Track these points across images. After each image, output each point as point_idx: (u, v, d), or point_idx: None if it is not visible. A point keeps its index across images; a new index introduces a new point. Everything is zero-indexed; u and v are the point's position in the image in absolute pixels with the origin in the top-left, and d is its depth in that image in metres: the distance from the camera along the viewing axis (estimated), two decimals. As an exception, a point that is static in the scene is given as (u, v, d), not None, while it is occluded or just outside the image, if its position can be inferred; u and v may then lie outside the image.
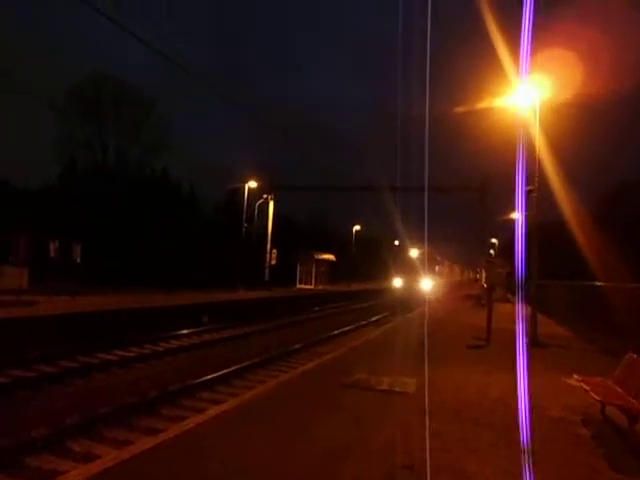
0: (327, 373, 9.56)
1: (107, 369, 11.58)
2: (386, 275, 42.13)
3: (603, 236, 25.82)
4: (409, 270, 34.83)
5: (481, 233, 36.78)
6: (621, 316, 12.32)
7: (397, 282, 35.08)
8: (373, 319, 24.65)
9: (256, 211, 38.11)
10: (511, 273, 28.85)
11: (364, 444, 5.46)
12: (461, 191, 36.13)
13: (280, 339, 17.33)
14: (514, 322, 13.81)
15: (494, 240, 59.56)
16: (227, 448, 5.20)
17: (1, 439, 6.65)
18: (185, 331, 17.31)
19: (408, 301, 30.32)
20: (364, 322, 23.20)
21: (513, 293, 32.85)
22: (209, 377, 10.66)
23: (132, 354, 13.43)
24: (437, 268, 40.49)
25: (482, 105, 15.83)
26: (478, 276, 49.86)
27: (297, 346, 15.57)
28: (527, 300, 15.28)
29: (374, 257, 63.23)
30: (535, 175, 14.74)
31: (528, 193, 14.64)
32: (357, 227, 66.83)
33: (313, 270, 43.09)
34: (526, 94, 13.84)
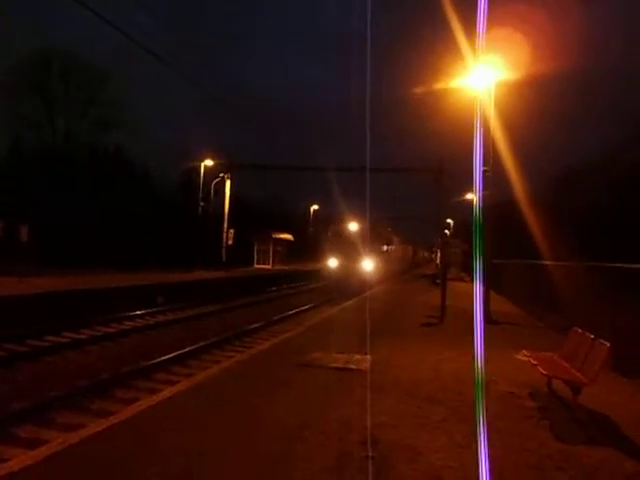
0: (283, 352, 9.58)
1: (58, 352, 11.23)
2: (320, 256, 35.94)
3: (550, 218, 26.69)
4: (347, 249, 29.03)
5: (437, 213, 37.47)
6: (565, 293, 12.84)
7: (332, 263, 29.63)
8: (329, 298, 24.80)
9: (212, 190, 37.50)
10: (466, 252, 29.44)
11: (319, 422, 5.49)
12: (418, 172, 36.59)
13: (237, 319, 17.24)
14: (468, 301, 14.16)
15: (449, 220, 60.81)
16: (181, 430, 5.13)
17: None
18: (139, 312, 16.97)
19: (348, 285, 26.56)
20: (320, 301, 23.34)
21: (468, 272, 33.69)
22: (164, 358, 10.51)
23: (84, 336, 13.06)
24: (386, 247, 36.60)
25: (440, 86, 15.98)
26: (433, 256, 50.81)
27: (254, 326, 15.53)
28: (481, 279, 15.71)
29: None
30: (490, 155, 15.02)
31: (483, 173, 14.91)
32: (315, 207, 66.87)
33: (270, 250, 42.88)
34: (481, 74, 14.01)
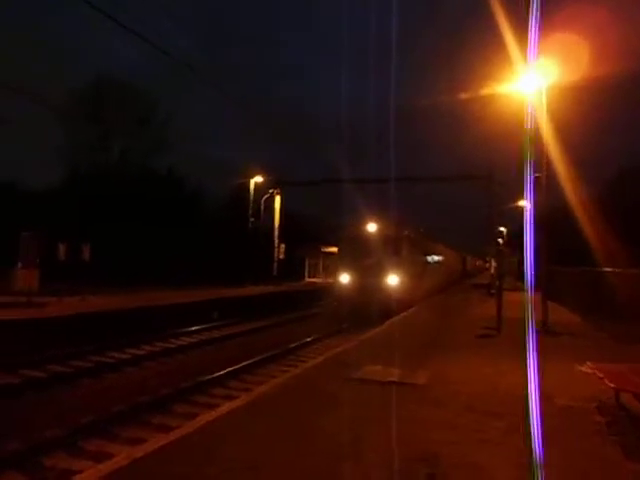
0: (337, 367, 9.54)
1: (118, 368, 11.65)
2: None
3: (606, 221, 25.63)
4: (366, 260, 21.47)
5: (488, 221, 36.61)
6: (629, 302, 12.26)
7: (344, 279, 21.79)
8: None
9: (262, 206, 38.11)
10: (522, 261, 28.55)
11: (375, 437, 5.44)
12: (467, 180, 35.98)
13: (290, 333, 17.35)
14: (525, 310, 13.74)
15: (503, 229, 59.27)
16: (239, 444, 5.19)
17: (16, 440, 6.72)
18: (195, 328, 17.38)
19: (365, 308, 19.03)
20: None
21: (524, 281, 32.67)
22: (220, 373, 10.69)
23: (143, 352, 13.50)
24: (429, 257, 30.02)
25: (488, 91, 15.72)
26: (487, 265, 49.59)
27: (307, 339, 15.60)
28: (537, 287, 15.21)
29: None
30: (543, 161, 14.61)
31: (536, 180, 14.51)
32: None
33: (320, 263, 43.03)
34: (533, 79, 13.70)
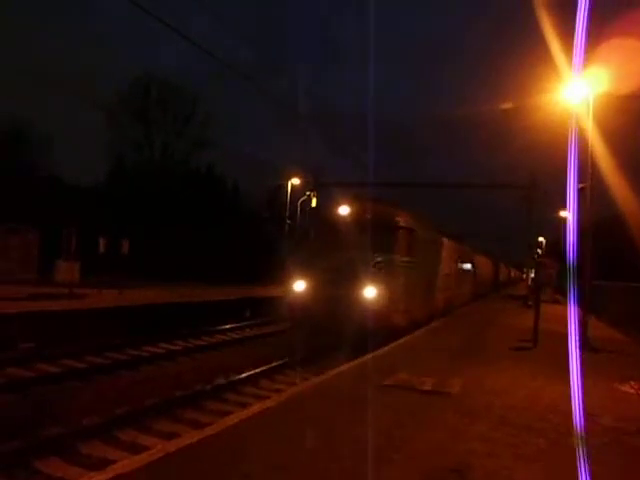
0: (370, 372, 9.47)
1: (154, 362, 11.88)
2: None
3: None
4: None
5: (527, 231, 35.75)
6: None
7: (299, 286, 13.89)
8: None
9: (299, 208, 38.30)
10: (561, 273, 27.71)
11: (407, 444, 5.37)
12: (507, 188, 35.23)
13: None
14: (563, 324, 13.35)
15: (542, 239, 57.89)
16: (270, 445, 5.21)
17: (56, 426, 6.92)
18: (228, 326, 17.57)
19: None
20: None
21: (562, 294, 31.82)
22: (252, 372, 10.76)
23: (178, 347, 13.72)
24: (465, 265, 26.20)
25: (532, 101, 15.39)
26: (524, 276, 48.41)
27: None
28: (578, 302, 14.79)
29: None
30: (588, 172, 14.19)
31: (580, 190, 14.10)
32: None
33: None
34: (579, 88, 13.34)
